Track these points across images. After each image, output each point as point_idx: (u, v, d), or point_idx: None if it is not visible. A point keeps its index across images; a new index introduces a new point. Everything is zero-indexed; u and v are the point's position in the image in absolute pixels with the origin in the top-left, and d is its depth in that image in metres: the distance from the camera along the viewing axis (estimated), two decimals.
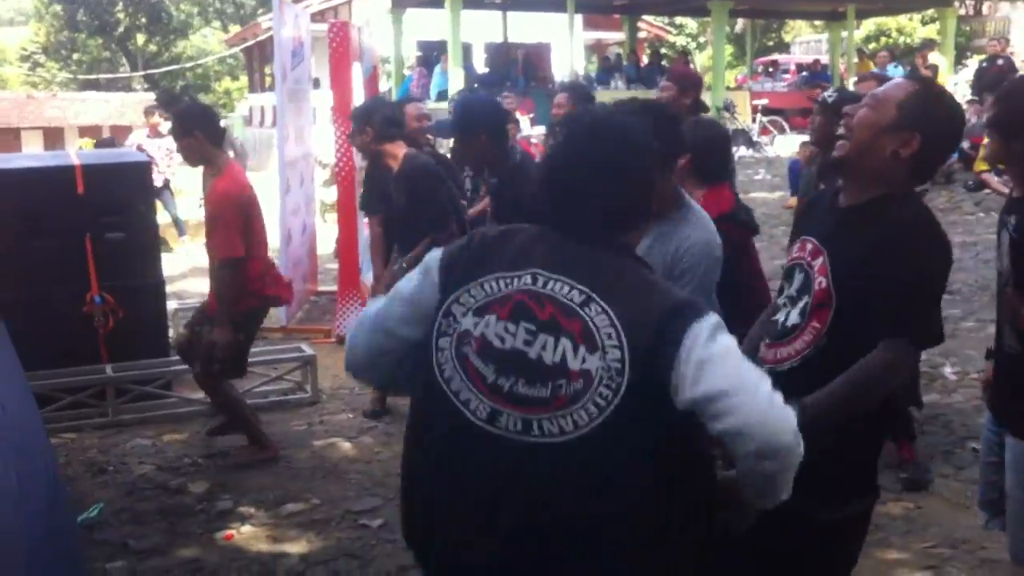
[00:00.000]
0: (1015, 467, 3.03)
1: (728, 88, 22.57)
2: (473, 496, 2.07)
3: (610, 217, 2.11)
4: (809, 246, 2.61)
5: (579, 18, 24.92)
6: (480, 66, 24.21)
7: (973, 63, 22.10)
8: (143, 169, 6.91)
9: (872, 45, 30.02)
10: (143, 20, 40.94)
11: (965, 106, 16.52)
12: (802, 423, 2.04)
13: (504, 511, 2.02)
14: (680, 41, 36.66)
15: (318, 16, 21.84)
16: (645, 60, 24.48)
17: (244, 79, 35.68)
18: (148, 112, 13.50)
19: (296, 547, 4.53)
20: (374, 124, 5.67)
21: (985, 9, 31.43)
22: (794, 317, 2.60)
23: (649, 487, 2.01)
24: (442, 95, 19.31)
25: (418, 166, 5.56)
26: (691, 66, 21.72)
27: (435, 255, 2.19)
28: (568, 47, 22.56)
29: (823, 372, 2.50)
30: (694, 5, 24.05)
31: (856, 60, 21.81)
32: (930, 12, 27.48)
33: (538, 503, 2.00)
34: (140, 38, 41.18)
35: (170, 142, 13.14)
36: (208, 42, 42.73)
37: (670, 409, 1.96)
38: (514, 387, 2.03)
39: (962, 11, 27.29)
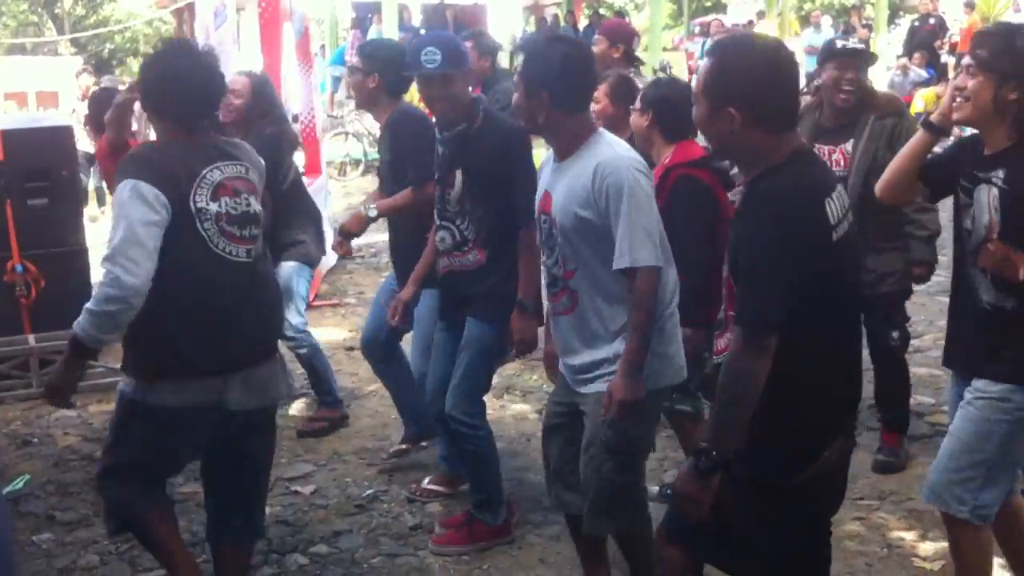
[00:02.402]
0: (973, 408, 3.04)
1: (665, 49, 22.55)
2: None
3: None
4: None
5: None
6: (418, 27, 23.92)
7: (905, 22, 22.34)
8: (66, 134, 6.73)
9: (808, 4, 30.20)
10: None
11: (896, 66, 16.74)
12: (707, 464, 2.46)
13: None
14: (618, 2, 36.56)
15: None
16: (584, 21, 24.37)
17: None
18: (79, 74, 13.39)
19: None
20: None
21: None
22: (723, 307, 2.61)
23: None
24: None
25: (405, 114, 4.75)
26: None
27: None
28: (505, 8, 22.38)
29: None
30: None
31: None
32: None
33: None
34: (67, 1, 40.12)
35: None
36: (137, 5, 41.71)
37: None
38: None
39: None
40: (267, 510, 4.47)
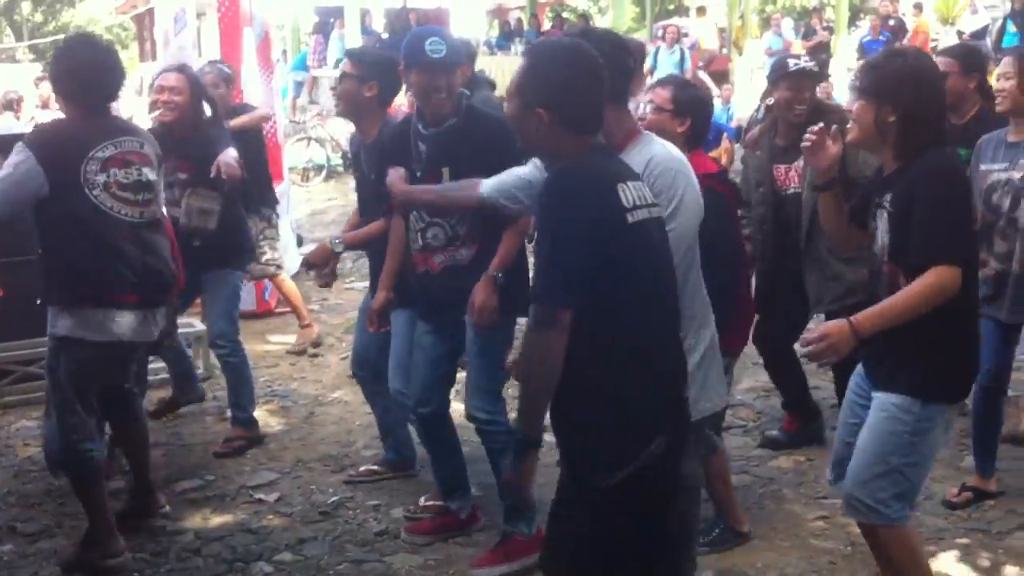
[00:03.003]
0: (878, 421, 3.12)
1: None
2: None
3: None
4: None
5: None
6: (381, 32, 23.89)
7: (866, 24, 22.54)
8: None
9: (770, 7, 30.42)
10: None
11: (857, 68, 16.92)
12: (518, 445, 2.65)
13: None
14: (581, 5, 36.65)
15: None
16: (547, 25, 24.41)
17: (135, 48, 34.65)
18: (38, 82, 13.22)
19: (191, 524, 4.48)
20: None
21: None
22: None
23: None
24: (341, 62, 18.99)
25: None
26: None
27: None
28: (468, 11, 22.40)
29: None
30: None
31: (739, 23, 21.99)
32: None
33: None
34: (26, 7, 39.75)
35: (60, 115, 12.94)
36: (97, 10, 41.37)
37: None
38: None
39: None
40: (231, 518, 4.49)
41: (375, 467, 4.91)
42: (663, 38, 18.40)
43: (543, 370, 2.54)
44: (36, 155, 3.79)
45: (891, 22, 18.26)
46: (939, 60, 4.76)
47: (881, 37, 16.89)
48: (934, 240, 2.96)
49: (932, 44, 17.96)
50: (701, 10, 22.85)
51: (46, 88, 13.05)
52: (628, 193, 2.58)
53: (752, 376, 5.96)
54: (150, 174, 3.99)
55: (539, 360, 2.55)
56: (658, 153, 3.10)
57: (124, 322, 3.94)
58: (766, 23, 24.38)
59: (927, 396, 3.06)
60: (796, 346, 3.06)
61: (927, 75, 3.07)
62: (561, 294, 2.49)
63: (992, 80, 4.51)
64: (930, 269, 2.93)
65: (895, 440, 3.10)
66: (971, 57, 4.86)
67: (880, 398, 3.15)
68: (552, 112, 2.59)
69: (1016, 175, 4.14)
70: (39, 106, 13.02)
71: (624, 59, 3.14)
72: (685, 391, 2.77)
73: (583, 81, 2.63)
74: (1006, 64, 4.18)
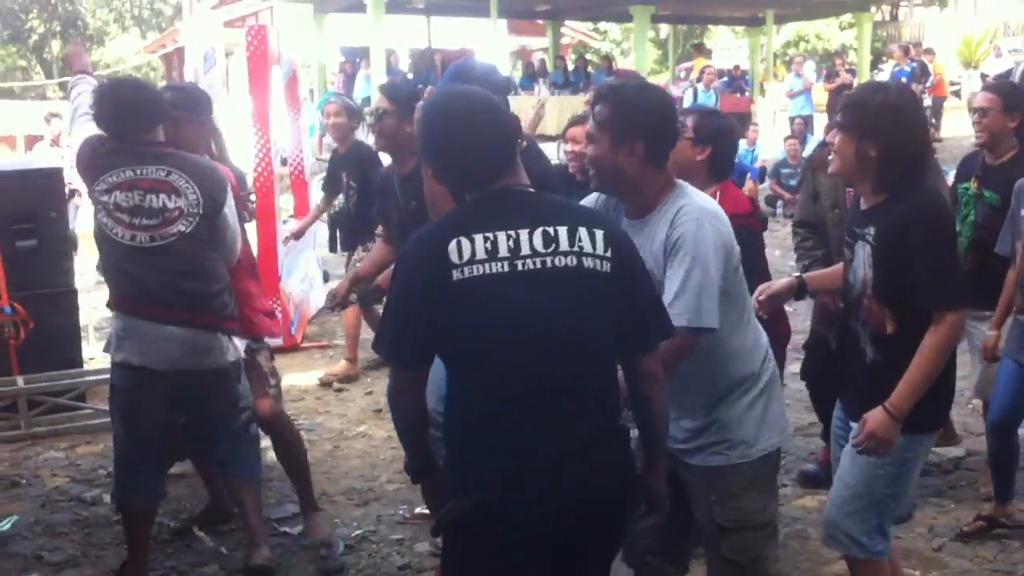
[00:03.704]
0: (861, 456, 3.12)
1: None
2: None
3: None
4: None
5: (503, 23, 24.98)
6: (406, 72, 24.15)
7: (888, 67, 22.64)
8: (55, 176, 6.75)
9: (791, 50, 30.56)
10: (58, 28, 40.08)
11: None
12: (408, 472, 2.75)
13: None
14: (604, 47, 36.93)
15: (239, 22, 21.59)
16: (570, 66, 24.61)
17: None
18: (49, 118, 13.28)
19: (215, 556, 4.47)
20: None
21: (900, 15, 32.23)
22: None
23: None
24: (367, 102, 19.17)
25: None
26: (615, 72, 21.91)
27: None
28: (492, 53, 22.59)
29: None
30: (617, 11, 24.28)
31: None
32: (847, 18, 28.07)
33: None
34: (55, 46, 40.35)
35: (72, 152, 13.01)
36: (126, 49, 41.96)
37: None
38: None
39: (878, 17, 27.89)
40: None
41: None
42: (700, 80, 18.48)
43: (399, 418, 2.63)
44: (76, 161, 4.20)
45: (912, 65, 18.35)
46: (981, 95, 4.74)
47: (908, 68, 17.06)
48: (946, 289, 2.99)
49: (953, 88, 18.04)
50: (699, 47, 22.99)
51: (57, 124, 13.19)
52: (469, 245, 2.36)
53: None
54: (164, 201, 3.95)
55: (392, 410, 2.72)
56: (686, 204, 2.89)
57: (145, 344, 3.93)
58: (788, 66, 24.55)
59: (909, 429, 3.06)
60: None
61: (907, 111, 3.08)
62: (397, 359, 2.51)
63: None
64: (944, 317, 2.97)
65: (880, 473, 3.12)
66: (1015, 96, 4.68)
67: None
68: (434, 169, 2.57)
69: None
70: (50, 143, 13.13)
71: (668, 123, 2.95)
72: (563, 470, 2.40)
73: (460, 136, 2.46)
74: None
